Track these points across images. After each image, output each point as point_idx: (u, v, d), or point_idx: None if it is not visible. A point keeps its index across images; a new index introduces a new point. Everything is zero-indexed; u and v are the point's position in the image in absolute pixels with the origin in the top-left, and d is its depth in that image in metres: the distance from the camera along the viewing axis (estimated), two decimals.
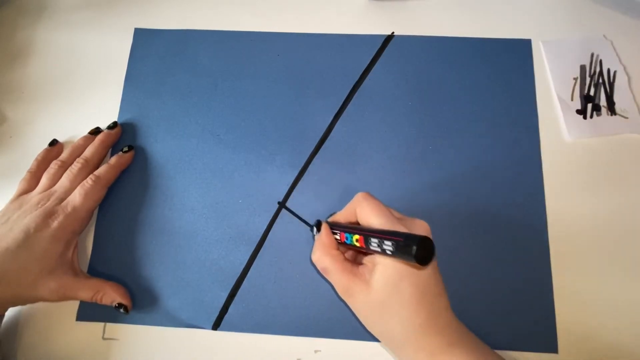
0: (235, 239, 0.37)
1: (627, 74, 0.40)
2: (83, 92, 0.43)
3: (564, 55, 0.41)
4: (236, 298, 0.35)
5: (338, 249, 0.30)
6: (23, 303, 0.34)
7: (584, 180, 0.37)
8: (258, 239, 0.37)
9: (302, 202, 0.38)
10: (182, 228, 0.37)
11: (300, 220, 0.37)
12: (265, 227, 0.37)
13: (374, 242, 0.25)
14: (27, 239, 0.32)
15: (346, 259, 0.29)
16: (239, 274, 0.36)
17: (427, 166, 0.38)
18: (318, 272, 0.30)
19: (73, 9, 0.46)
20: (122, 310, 0.34)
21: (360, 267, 0.28)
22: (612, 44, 0.41)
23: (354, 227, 0.28)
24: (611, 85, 0.40)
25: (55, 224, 0.33)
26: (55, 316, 0.36)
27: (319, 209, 0.37)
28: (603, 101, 0.39)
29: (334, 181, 0.38)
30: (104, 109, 0.42)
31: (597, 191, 0.37)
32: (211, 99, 0.41)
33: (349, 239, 0.28)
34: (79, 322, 0.35)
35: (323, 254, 0.29)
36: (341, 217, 0.31)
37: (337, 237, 0.30)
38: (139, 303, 0.36)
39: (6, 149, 0.41)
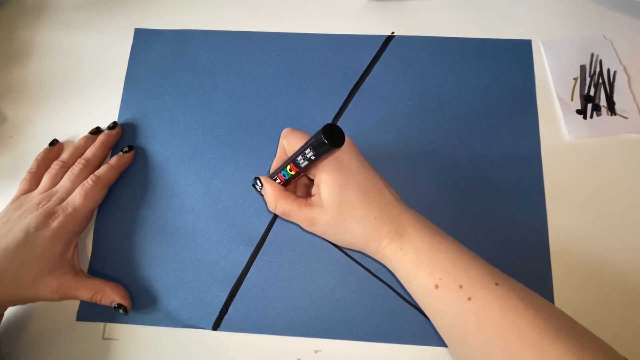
0: (235, 239, 0.37)
1: (627, 74, 0.40)
2: (83, 92, 0.43)
3: (564, 55, 0.41)
4: (236, 298, 0.35)
5: (286, 190, 0.31)
6: (23, 302, 0.34)
7: (584, 180, 0.37)
8: (258, 239, 0.37)
9: None
10: (182, 228, 0.37)
11: None
12: (265, 227, 0.37)
13: (300, 159, 0.28)
14: (27, 239, 0.32)
15: (298, 197, 0.31)
16: (239, 274, 0.36)
17: (427, 166, 0.38)
18: (283, 219, 0.33)
19: (73, 9, 0.46)
20: (121, 310, 0.34)
21: (312, 198, 0.31)
22: (612, 44, 0.41)
23: (284, 163, 0.31)
24: (611, 85, 0.40)
25: (55, 224, 0.33)
26: (55, 316, 0.36)
27: None
28: (603, 101, 0.39)
29: None
30: (104, 109, 0.42)
31: (597, 191, 0.37)
32: (211, 99, 0.41)
33: (285, 174, 0.30)
34: (79, 322, 0.35)
35: (276, 199, 0.31)
36: (275, 161, 0.33)
37: (278, 180, 0.32)
38: (139, 303, 0.36)
39: (6, 149, 0.41)
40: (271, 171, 0.34)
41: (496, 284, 0.26)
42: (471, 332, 0.25)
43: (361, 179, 0.29)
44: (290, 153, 0.31)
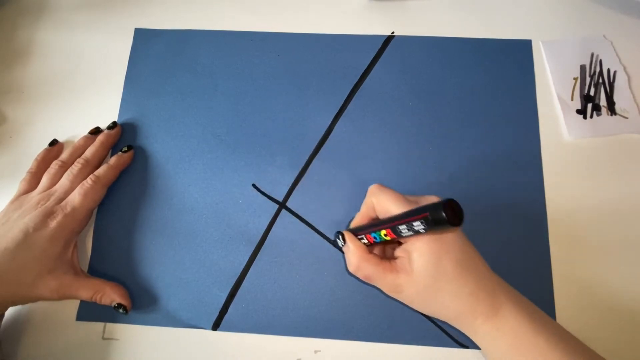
0: (235, 239, 0.37)
1: (627, 74, 0.40)
2: (83, 92, 0.43)
3: (564, 55, 0.41)
4: (236, 298, 0.35)
5: (371, 252, 0.30)
6: (23, 302, 0.34)
7: (584, 180, 0.37)
8: (258, 239, 0.37)
9: (303, 202, 0.38)
10: (182, 228, 0.37)
11: (300, 220, 0.37)
12: (265, 227, 0.37)
13: (403, 228, 0.25)
14: (26, 239, 0.32)
15: (382, 259, 0.29)
16: (238, 274, 0.36)
17: (427, 166, 0.38)
18: (358, 279, 0.32)
19: (73, 9, 0.46)
20: (121, 310, 0.34)
21: (397, 260, 0.29)
22: (612, 44, 0.41)
23: (376, 224, 0.28)
24: (611, 85, 0.40)
25: (54, 223, 0.33)
26: (55, 316, 0.36)
27: (320, 209, 0.37)
28: (603, 101, 0.39)
29: (334, 181, 0.38)
30: (104, 109, 0.42)
31: (597, 191, 0.37)
32: (211, 99, 0.41)
33: (377, 237, 0.28)
34: (79, 322, 0.35)
35: (360, 262, 0.29)
36: (360, 216, 0.31)
37: (364, 240, 0.30)
38: (139, 303, 0.36)
39: (6, 149, 0.41)
40: (353, 224, 0.32)
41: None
42: None
43: (458, 250, 0.27)
44: (381, 213, 0.29)
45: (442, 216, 0.22)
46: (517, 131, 0.39)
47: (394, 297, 0.29)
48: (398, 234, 0.26)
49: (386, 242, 0.28)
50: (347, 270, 0.34)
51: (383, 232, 0.27)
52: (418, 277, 0.27)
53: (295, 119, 0.40)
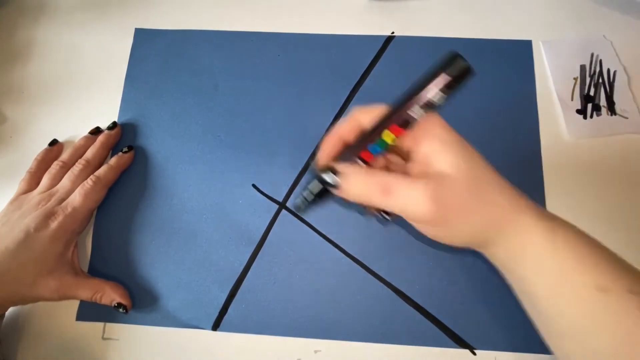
0: (235, 239, 0.37)
1: (627, 74, 0.40)
2: (83, 92, 0.43)
3: (564, 55, 0.41)
4: (236, 298, 0.35)
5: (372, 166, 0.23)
6: (23, 303, 0.34)
7: (584, 180, 0.37)
8: (258, 239, 0.37)
9: None
10: (182, 228, 0.37)
11: (300, 220, 0.37)
12: (265, 227, 0.37)
13: (416, 110, 0.20)
14: (27, 239, 0.32)
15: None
16: (238, 274, 0.36)
17: None
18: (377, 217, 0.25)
19: (73, 9, 0.46)
20: (121, 309, 0.34)
21: (408, 165, 0.23)
22: (612, 44, 0.41)
23: (369, 132, 0.21)
24: (611, 85, 0.40)
25: (55, 224, 0.33)
26: (55, 316, 0.36)
27: (320, 209, 0.37)
28: (603, 101, 0.39)
29: None
30: (104, 109, 0.42)
31: (597, 191, 0.37)
32: (211, 99, 0.41)
33: (380, 145, 0.21)
34: (79, 322, 0.35)
35: (369, 177, 0.21)
36: (337, 136, 0.24)
37: (359, 162, 0.22)
38: (139, 303, 0.36)
39: (6, 149, 0.41)
40: (324, 156, 0.24)
41: None
42: None
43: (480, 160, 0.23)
44: (372, 122, 0.23)
45: (466, 64, 0.18)
46: (517, 131, 0.39)
47: (426, 213, 0.22)
48: (405, 121, 0.20)
49: (393, 148, 0.22)
50: (361, 212, 0.26)
51: (385, 132, 0.21)
52: (450, 172, 0.21)
53: (295, 119, 0.40)
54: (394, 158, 0.25)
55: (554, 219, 0.24)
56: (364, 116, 0.23)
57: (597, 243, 0.23)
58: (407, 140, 0.22)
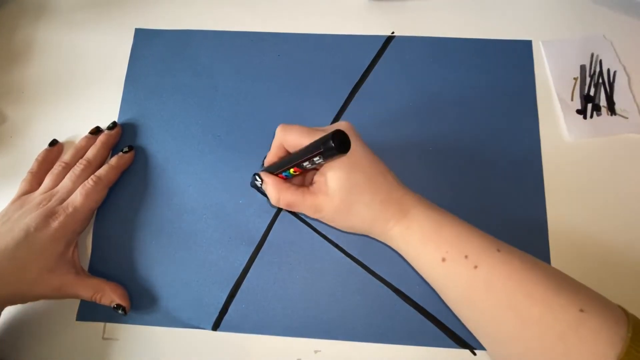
0: (235, 239, 0.37)
1: (627, 74, 0.40)
2: (83, 92, 0.43)
3: (564, 55, 0.41)
4: (236, 298, 0.35)
5: (286, 182, 0.32)
6: (23, 301, 0.34)
7: (584, 180, 0.37)
8: (258, 239, 0.37)
9: None
10: (182, 228, 0.37)
11: (300, 220, 0.37)
12: (265, 227, 0.37)
13: (307, 164, 0.28)
14: (27, 238, 0.32)
15: (300, 186, 0.32)
16: (239, 275, 0.36)
17: (427, 166, 0.38)
18: (287, 210, 0.35)
19: (73, 9, 0.46)
20: (120, 311, 0.34)
21: (315, 185, 0.31)
22: (612, 44, 0.41)
23: (285, 162, 0.31)
24: (611, 85, 0.40)
25: (55, 223, 0.33)
26: (55, 316, 0.36)
27: None
28: (603, 101, 0.39)
29: None
30: (104, 109, 0.42)
31: (597, 191, 0.37)
32: (211, 99, 0.41)
33: (288, 174, 0.31)
34: (79, 322, 0.35)
35: (279, 193, 0.31)
36: (270, 156, 0.33)
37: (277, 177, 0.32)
38: (139, 303, 0.36)
39: (6, 149, 0.41)
40: (266, 164, 0.33)
41: (498, 250, 0.27)
42: (480, 298, 0.27)
43: (367, 164, 0.30)
44: (292, 148, 0.31)
45: (332, 147, 0.25)
46: (517, 131, 0.39)
47: (316, 218, 0.31)
48: (304, 169, 0.29)
49: (298, 176, 0.31)
50: (269, 205, 0.37)
51: (291, 170, 0.30)
52: (334, 194, 0.29)
53: (295, 119, 0.40)
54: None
55: (411, 212, 0.29)
56: (286, 139, 0.31)
57: (443, 222, 0.29)
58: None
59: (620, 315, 0.25)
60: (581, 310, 0.24)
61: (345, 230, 0.32)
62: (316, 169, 0.31)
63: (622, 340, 0.23)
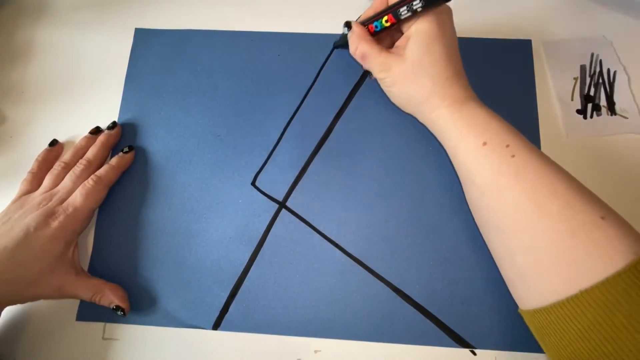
0: (235, 239, 0.37)
1: (627, 74, 0.40)
2: (83, 92, 0.43)
3: (564, 55, 0.41)
4: (236, 298, 0.35)
5: (371, 37, 0.33)
6: (22, 301, 0.34)
7: (584, 180, 0.37)
8: (258, 239, 0.37)
9: (303, 202, 0.38)
10: (182, 228, 0.37)
11: (300, 220, 0.37)
12: (265, 227, 0.37)
13: (404, 11, 0.29)
14: (27, 238, 0.32)
15: (380, 45, 0.33)
16: (239, 274, 0.36)
17: (427, 166, 0.38)
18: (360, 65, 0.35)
19: (73, 9, 0.46)
20: (119, 312, 0.34)
21: (395, 47, 0.32)
22: (612, 44, 0.41)
23: (380, 13, 0.32)
24: (611, 85, 0.40)
25: (55, 223, 0.33)
26: (55, 316, 0.36)
27: (320, 209, 0.37)
28: (603, 101, 0.39)
29: (335, 181, 0.38)
30: (104, 109, 0.42)
31: (597, 191, 0.37)
32: (211, 99, 0.41)
33: (379, 24, 0.31)
34: (79, 322, 0.35)
35: (360, 41, 0.32)
36: (370, 10, 0.34)
37: (366, 28, 0.33)
38: (139, 303, 0.36)
39: (6, 149, 0.41)
40: (362, 18, 0.34)
41: (536, 150, 0.29)
42: (508, 185, 0.28)
43: (450, 41, 0.31)
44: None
45: None
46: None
47: (381, 77, 0.33)
48: (398, 17, 0.29)
49: (387, 29, 0.31)
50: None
51: (385, 18, 0.30)
52: (408, 56, 0.31)
53: (295, 118, 0.40)
54: (397, 35, 0.35)
55: (468, 101, 0.31)
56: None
57: (493, 117, 0.31)
58: (405, 25, 0.32)
59: (638, 236, 0.25)
60: (602, 218, 0.25)
61: (398, 101, 0.34)
62: (406, 24, 0.31)
63: (634, 254, 0.23)
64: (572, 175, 0.29)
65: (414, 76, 0.31)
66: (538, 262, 0.26)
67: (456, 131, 0.31)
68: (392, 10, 0.30)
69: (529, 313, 0.28)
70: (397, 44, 0.32)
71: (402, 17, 0.29)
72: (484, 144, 0.29)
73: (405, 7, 0.28)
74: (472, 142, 0.30)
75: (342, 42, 0.34)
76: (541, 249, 0.26)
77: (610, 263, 0.23)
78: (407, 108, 0.34)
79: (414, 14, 0.29)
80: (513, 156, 0.28)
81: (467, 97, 0.31)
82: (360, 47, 0.32)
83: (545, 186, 0.27)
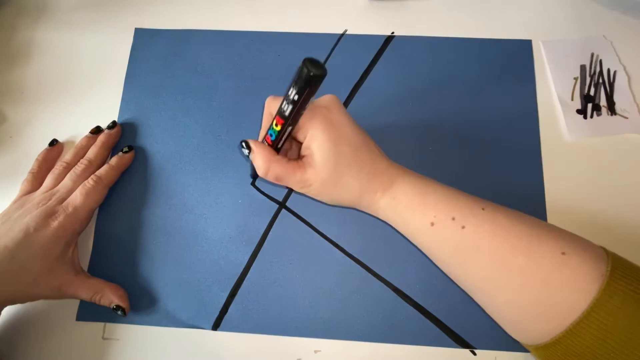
0: (235, 239, 0.37)
1: (627, 74, 0.40)
2: (83, 92, 0.43)
3: (564, 55, 0.41)
4: (236, 298, 0.35)
5: (277, 154, 0.30)
6: (22, 301, 0.34)
7: (584, 180, 0.37)
8: (258, 239, 0.37)
9: (303, 202, 0.38)
10: (182, 228, 0.37)
11: (300, 220, 0.37)
12: (265, 227, 0.37)
13: (284, 105, 0.26)
14: (27, 238, 0.32)
15: (289, 160, 0.30)
16: (239, 274, 0.36)
17: (427, 166, 0.38)
18: (273, 184, 0.33)
19: (73, 9, 0.46)
20: (119, 312, 0.34)
21: (303, 159, 0.30)
22: (612, 44, 0.41)
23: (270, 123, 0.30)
24: (611, 85, 0.40)
25: (55, 223, 0.33)
26: (55, 316, 0.36)
27: (320, 209, 0.37)
28: (603, 101, 0.39)
29: None
30: (104, 109, 0.42)
31: (597, 191, 0.37)
32: (211, 99, 0.41)
33: (272, 132, 0.29)
34: (79, 322, 0.35)
35: (268, 163, 0.30)
36: (262, 131, 0.32)
37: (266, 143, 0.30)
38: (139, 303, 0.36)
39: (6, 149, 0.41)
40: (260, 137, 0.32)
41: (483, 209, 0.28)
42: (469, 255, 0.28)
43: (352, 136, 0.30)
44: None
45: (304, 70, 0.23)
46: (517, 131, 0.39)
47: (304, 192, 0.31)
48: (283, 115, 0.27)
49: (282, 134, 0.29)
50: (251, 177, 0.37)
51: (274, 122, 0.28)
52: (321, 167, 0.29)
53: None
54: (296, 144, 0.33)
55: (397, 182, 0.30)
56: (272, 108, 0.31)
57: (427, 187, 0.30)
58: (300, 134, 0.30)
59: (600, 253, 0.26)
60: (563, 253, 0.26)
61: (332, 204, 0.32)
62: (300, 113, 0.28)
63: (602, 275, 0.25)
64: (521, 213, 0.29)
65: (337, 182, 0.29)
66: (522, 313, 0.27)
67: (399, 218, 0.30)
68: (277, 112, 0.27)
69: (531, 347, 0.28)
70: (303, 152, 0.30)
71: (287, 113, 0.27)
72: (432, 224, 0.28)
73: (284, 102, 0.26)
74: (419, 224, 0.29)
75: (253, 172, 0.32)
76: (521, 301, 0.27)
77: (587, 291, 0.24)
78: (344, 206, 0.32)
79: (295, 104, 0.26)
80: (463, 227, 0.28)
81: (394, 178, 0.30)
82: (272, 170, 0.29)
83: (504, 245, 0.27)
